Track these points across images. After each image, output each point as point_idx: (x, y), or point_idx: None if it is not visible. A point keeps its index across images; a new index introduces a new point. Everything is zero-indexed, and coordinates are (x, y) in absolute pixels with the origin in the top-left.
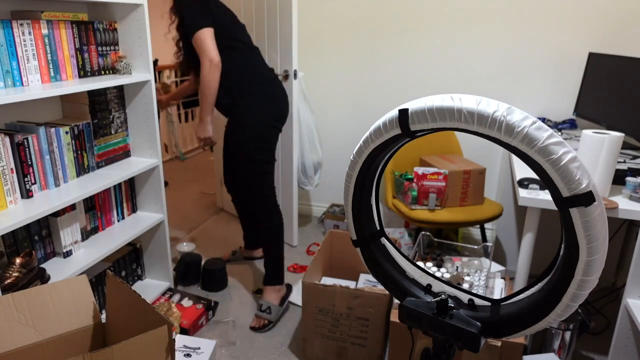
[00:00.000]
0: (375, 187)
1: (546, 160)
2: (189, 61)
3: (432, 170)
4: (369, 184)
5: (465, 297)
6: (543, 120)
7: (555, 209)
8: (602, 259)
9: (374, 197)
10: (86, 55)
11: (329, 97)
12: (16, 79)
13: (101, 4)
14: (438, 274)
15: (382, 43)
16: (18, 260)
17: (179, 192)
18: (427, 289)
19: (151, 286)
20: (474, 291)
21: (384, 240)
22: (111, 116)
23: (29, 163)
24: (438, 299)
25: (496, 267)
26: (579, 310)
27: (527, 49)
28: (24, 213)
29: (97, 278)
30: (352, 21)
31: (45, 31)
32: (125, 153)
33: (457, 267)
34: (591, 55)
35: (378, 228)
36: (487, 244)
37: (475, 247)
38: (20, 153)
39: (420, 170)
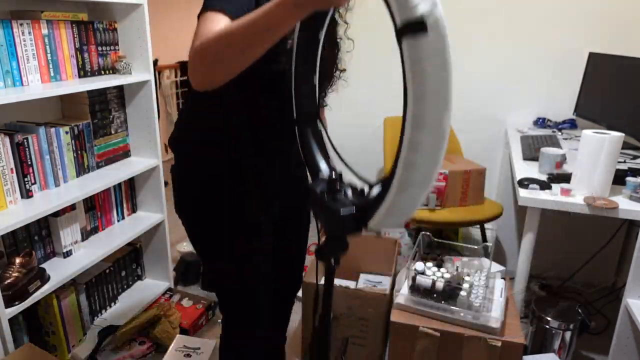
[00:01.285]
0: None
1: None
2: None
3: None
4: (312, 61)
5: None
6: (543, 120)
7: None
8: (434, 114)
9: (317, 77)
10: (86, 55)
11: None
12: (16, 78)
13: (101, 4)
14: (438, 274)
15: (380, 41)
16: (18, 260)
17: None
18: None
19: (151, 286)
20: (473, 292)
21: (319, 126)
22: (111, 116)
23: (29, 163)
24: (327, 178)
25: (496, 267)
26: (579, 310)
27: (527, 48)
28: (23, 213)
29: (97, 278)
30: (352, 19)
31: (45, 31)
32: (125, 153)
33: (457, 267)
34: (591, 55)
35: (316, 110)
36: (487, 244)
37: (476, 247)
38: (20, 153)
39: None
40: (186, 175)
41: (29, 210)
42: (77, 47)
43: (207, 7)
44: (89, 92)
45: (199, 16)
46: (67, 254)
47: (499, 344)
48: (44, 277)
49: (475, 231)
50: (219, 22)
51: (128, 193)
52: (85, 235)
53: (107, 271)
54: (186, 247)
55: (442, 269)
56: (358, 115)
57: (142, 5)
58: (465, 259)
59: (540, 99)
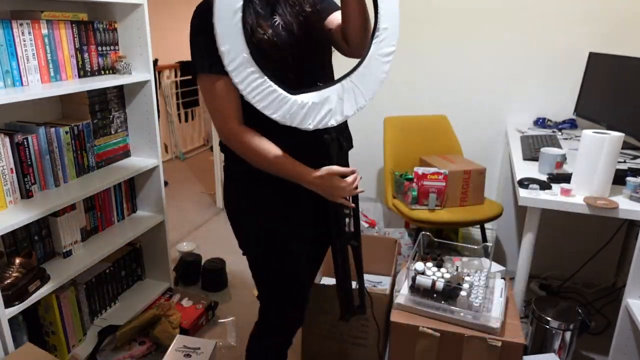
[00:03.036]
0: None
1: None
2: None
3: (432, 170)
4: None
5: None
6: (543, 120)
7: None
8: None
9: None
10: (86, 55)
11: None
12: (16, 79)
13: (101, 4)
14: (438, 274)
15: None
16: (18, 260)
17: (179, 192)
18: None
19: (151, 286)
20: (473, 292)
21: None
22: (111, 116)
23: (29, 163)
24: None
25: (496, 267)
26: (579, 311)
27: (527, 48)
28: (23, 213)
29: (97, 278)
30: None
31: (45, 31)
32: (125, 153)
33: (457, 267)
34: (591, 55)
35: None
36: (487, 244)
37: (476, 247)
38: (20, 153)
39: (420, 170)
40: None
41: (28, 210)
42: (77, 47)
43: (202, 71)
44: (88, 92)
45: (196, 75)
46: (67, 254)
47: (499, 344)
48: (43, 277)
49: (475, 231)
50: (220, 87)
51: (128, 193)
52: (85, 235)
53: (107, 271)
54: (186, 247)
55: (442, 269)
56: (358, 115)
57: (142, 5)
58: (465, 259)
59: (540, 99)
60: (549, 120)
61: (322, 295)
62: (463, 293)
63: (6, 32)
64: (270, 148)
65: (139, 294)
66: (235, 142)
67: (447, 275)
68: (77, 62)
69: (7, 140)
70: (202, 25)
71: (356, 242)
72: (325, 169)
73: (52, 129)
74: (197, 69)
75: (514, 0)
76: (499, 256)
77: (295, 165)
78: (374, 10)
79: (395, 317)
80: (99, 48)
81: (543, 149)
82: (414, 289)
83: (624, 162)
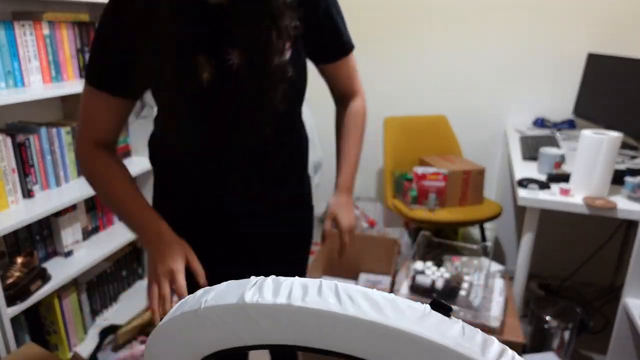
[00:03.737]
0: None
1: None
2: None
3: (431, 170)
4: None
5: None
6: (542, 120)
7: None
8: None
9: None
10: (87, 55)
11: (328, 96)
12: (17, 79)
13: (102, 5)
14: (438, 274)
15: (380, 43)
16: (19, 260)
17: None
18: None
19: None
20: (473, 291)
21: None
22: None
23: (31, 163)
24: None
25: (495, 266)
26: (578, 310)
27: (526, 48)
28: (25, 213)
29: (98, 278)
30: (351, 20)
31: (46, 32)
32: (126, 153)
33: (456, 266)
34: (590, 56)
35: None
36: (487, 243)
37: (475, 246)
38: (21, 153)
39: (420, 170)
40: None
41: (30, 210)
42: (78, 47)
43: (86, 77)
44: None
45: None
46: (68, 254)
47: None
48: (45, 277)
49: (475, 231)
50: (96, 103)
51: None
52: (86, 235)
53: (108, 271)
54: None
55: (442, 269)
56: None
57: None
58: (464, 258)
59: (540, 100)
60: (547, 120)
61: None
62: (462, 292)
63: (8, 33)
64: (114, 179)
65: (140, 294)
66: (82, 165)
67: (447, 275)
68: (79, 62)
69: (8, 140)
70: (108, 16)
71: None
72: (181, 248)
73: (54, 129)
74: (85, 72)
75: (513, 0)
76: (498, 256)
77: (142, 211)
78: None
79: None
80: None
81: (542, 149)
82: (414, 288)
83: (623, 162)
